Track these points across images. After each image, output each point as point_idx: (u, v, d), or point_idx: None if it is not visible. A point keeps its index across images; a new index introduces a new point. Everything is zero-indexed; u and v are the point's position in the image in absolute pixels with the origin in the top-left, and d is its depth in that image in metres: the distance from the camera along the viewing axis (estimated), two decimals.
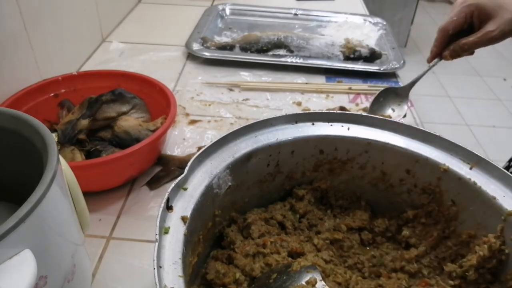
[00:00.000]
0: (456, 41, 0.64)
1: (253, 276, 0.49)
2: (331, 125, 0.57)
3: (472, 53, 0.65)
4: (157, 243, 0.39)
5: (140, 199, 0.66)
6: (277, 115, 0.56)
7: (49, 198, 0.34)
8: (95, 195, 0.65)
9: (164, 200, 0.43)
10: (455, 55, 0.65)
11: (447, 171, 0.52)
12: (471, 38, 0.61)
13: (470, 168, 0.51)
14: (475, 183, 0.50)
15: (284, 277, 0.46)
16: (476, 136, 2.41)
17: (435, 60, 0.71)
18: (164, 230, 0.41)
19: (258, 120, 0.55)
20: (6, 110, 0.41)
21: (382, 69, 1.01)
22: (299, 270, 0.46)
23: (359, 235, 0.58)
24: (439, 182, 0.53)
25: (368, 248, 0.57)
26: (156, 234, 0.40)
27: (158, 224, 0.41)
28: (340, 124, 0.57)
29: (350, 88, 0.96)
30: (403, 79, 1.01)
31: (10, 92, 0.70)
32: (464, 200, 0.51)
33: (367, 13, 1.38)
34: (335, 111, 0.58)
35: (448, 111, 2.63)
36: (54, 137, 0.39)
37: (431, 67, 0.72)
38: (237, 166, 0.52)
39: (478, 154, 0.51)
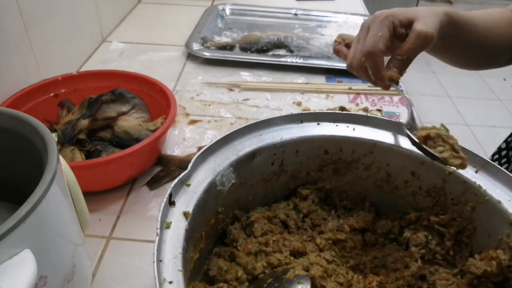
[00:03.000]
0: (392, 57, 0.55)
1: (255, 274, 0.49)
2: (337, 125, 0.57)
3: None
4: (158, 237, 0.39)
5: (140, 199, 0.66)
6: (282, 115, 0.56)
7: (49, 198, 0.34)
8: (95, 195, 0.65)
9: (167, 195, 0.43)
10: (401, 72, 0.55)
11: (452, 174, 0.52)
12: (406, 45, 0.53)
13: (476, 172, 0.51)
14: (480, 187, 0.50)
15: (276, 284, 0.46)
16: (476, 136, 2.41)
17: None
18: (165, 225, 0.41)
19: (263, 119, 0.55)
20: (6, 110, 0.41)
21: None
22: (291, 280, 0.46)
23: (362, 236, 0.58)
24: (444, 185, 0.53)
25: (370, 249, 0.57)
26: (157, 229, 0.40)
27: (159, 218, 0.41)
28: (346, 124, 0.57)
29: (350, 88, 0.96)
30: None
31: (10, 92, 0.70)
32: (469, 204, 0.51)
33: (367, 13, 1.38)
34: (340, 112, 0.58)
35: (448, 111, 2.63)
36: (54, 137, 0.39)
37: (400, 90, 0.58)
38: (241, 164, 0.52)
39: (484, 158, 0.51)
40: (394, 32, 0.54)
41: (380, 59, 0.54)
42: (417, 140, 0.50)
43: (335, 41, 0.64)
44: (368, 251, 0.56)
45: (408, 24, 0.54)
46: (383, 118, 0.57)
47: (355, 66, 0.57)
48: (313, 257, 0.50)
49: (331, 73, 1.02)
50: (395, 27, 0.54)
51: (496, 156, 0.87)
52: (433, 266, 0.52)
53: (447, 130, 0.51)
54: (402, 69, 0.54)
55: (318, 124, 0.57)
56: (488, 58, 0.69)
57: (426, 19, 0.53)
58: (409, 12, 0.55)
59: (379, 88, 0.97)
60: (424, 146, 0.49)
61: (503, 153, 0.86)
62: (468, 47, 0.64)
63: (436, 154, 0.48)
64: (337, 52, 0.63)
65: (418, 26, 0.52)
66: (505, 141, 0.87)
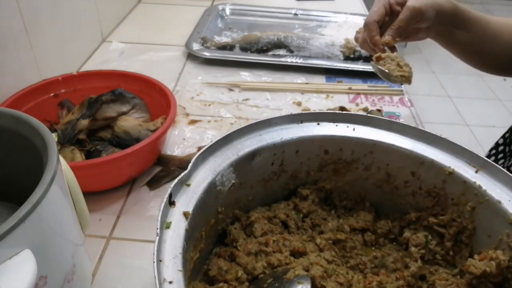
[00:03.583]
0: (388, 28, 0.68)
1: (255, 274, 0.49)
2: (337, 125, 0.57)
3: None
4: (158, 237, 0.39)
5: (140, 199, 0.66)
6: (282, 115, 0.56)
7: (49, 198, 0.34)
8: (95, 195, 0.65)
9: (167, 195, 0.43)
10: (393, 39, 0.68)
11: (452, 174, 0.52)
12: (399, 17, 0.66)
13: (476, 172, 0.51)
14: (480, 187, 0.49)
15: (277, 284, 0.46)
16: (476, 136, 2.41)
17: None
18: (165, 225, 0.41)
19: (263, 119, 0.55)
20: (6, 110, 0.41)
21: None
22: (291, 280, 0.46)
23: (362, 236, 0.58)
24: (444, 185, 0.53)
25: (370, 249, 0.57)
26: (157, 229, 0.40)
27: (159, 218, 0.41)
28: (346, 124, 0.57)
29: (350, 88, 0.96)
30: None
31: (10, 92, 0.70)
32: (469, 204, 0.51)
33: (367, 13, 1.37)
34: (340, 112, 0.58)
35: (448, 111, 2.63)
36: (54, 137, 0.39)
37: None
38: (241, 164, 0.52)
39: (484, 158, 0.51)
40: (392, 10, 0.67)
41: (374, 27, 0.67)
42: (373, 61, 0.67)
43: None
44: (368, 251, 0.56)
45: (404, 3, 0.67)
46: (383, 118, 0.57)
47: (360, 40, 0.71)
48: (313, 257, 0.50)
49: (331, 73, 1.02)
50: (391, 4, 0.67)
51: (493, 152, 0.88)
52: (433, 266, 0.52)
53: (401, 56, 0.67)
54: (395, 36, 0.67)
55: (318, 124, 0.57)
56: (504, 59, 0.73)
57: None
58: None
59: (379, 88, 0.97)
60: (376, 65, 0.66)
61: (500, 148, 0.87)
62: (482, 42, 0.70)
63: (383, 68, 0.66)
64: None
65: (410, 2, 0.66)
66: (503, 136, 0.87)
